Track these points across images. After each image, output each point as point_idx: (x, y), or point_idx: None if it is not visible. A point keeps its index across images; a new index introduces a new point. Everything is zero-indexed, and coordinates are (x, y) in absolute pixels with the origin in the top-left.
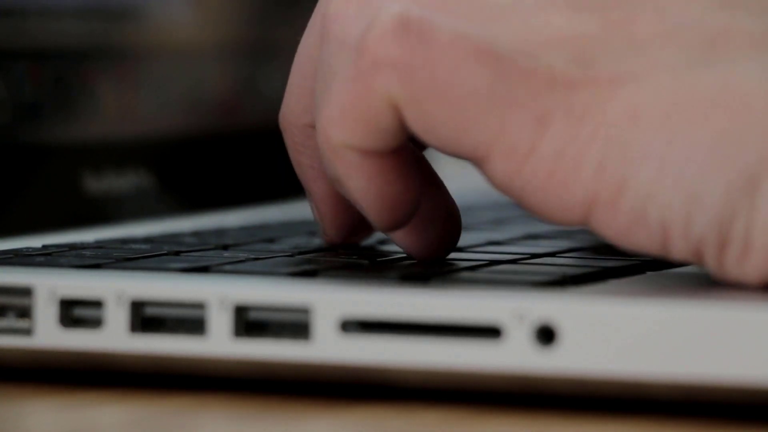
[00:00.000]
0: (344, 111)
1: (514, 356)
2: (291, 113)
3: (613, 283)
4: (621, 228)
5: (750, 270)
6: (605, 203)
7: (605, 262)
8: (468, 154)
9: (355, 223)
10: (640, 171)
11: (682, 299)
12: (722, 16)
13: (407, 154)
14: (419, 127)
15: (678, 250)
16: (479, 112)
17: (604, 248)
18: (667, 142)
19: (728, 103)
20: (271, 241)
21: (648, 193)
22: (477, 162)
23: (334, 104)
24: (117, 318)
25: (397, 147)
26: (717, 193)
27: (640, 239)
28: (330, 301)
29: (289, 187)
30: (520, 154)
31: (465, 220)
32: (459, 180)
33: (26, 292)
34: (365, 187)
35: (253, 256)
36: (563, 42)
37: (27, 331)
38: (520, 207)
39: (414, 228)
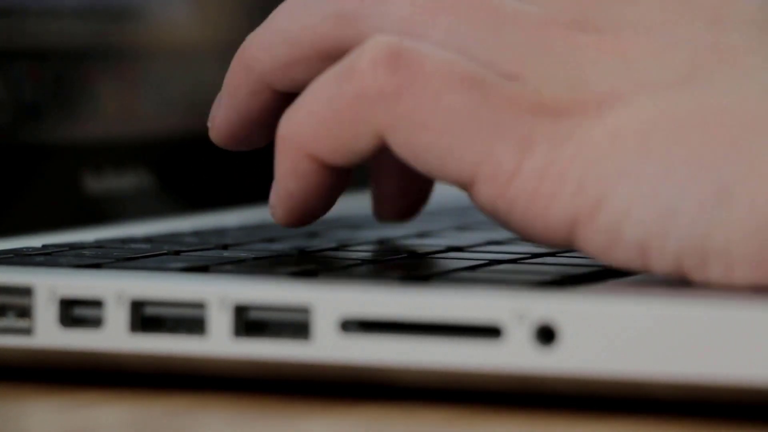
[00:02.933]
0: (321, 123)
1: (514, 356)
2: (259, 52)
3: (613, 283)
4: (601, 246)
5: (740, 282)
6: (584, 222)
7: None
8: (454, 179)
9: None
10: (617, 188)
11: (683, 299)
12: (711, 32)
13: (350, 174)
14: (405, 153)
15: (659, 266)
16: (463, 138)
17: None
18: (643, 159)
19: (704, 120)
20: (271, 241)
21: (624, 210)
22: (463, 186)
23: (311, 111)
24: (117, 318)
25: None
26: (691, 207)
27: (619, 256)
28: (330, 301)
29: None
30: (504, 177)
31: (465, 220)
32: None
33: (26, 291)
34: (294, 190)
35: (253, 256)
36: (556, 69)
37: (27, 331)
38: (507, 229)
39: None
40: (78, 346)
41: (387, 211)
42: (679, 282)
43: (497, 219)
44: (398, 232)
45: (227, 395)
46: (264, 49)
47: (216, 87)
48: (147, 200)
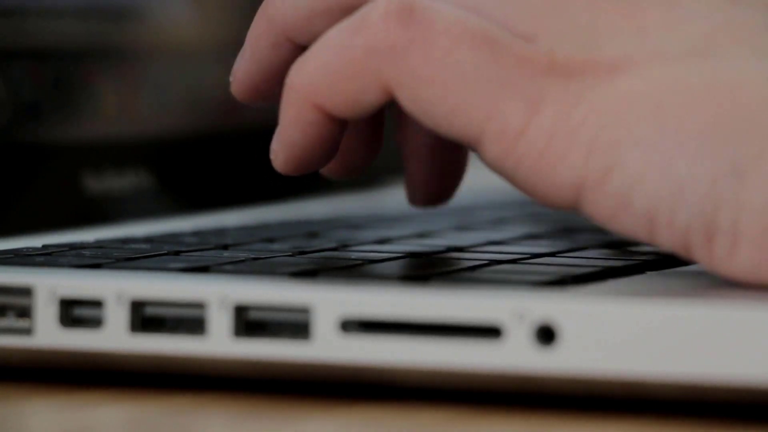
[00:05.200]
0: (329, 74)
1: (514, 356)
2: (283, 5)
3: (613, 283)
4: (608, 212)
5: (740, 263)
6: (593, 186)
7: (605, 262)
8: (461, 135)
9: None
10: (629, 156)
11: (682, 299)
12: (728, 10)
13: (356, 127)
14: (413, 109)
15: (665, 238)
16: (471, 95)
17: (604, 248)
18: (657, 129)
19: (719, 94)
20: (271, 241)
21: (635, 178)
22: (470, 143)
23: (320, 62)
24: (117, 318)
25: (359, 119)
26: (703, 182)
27: (626, 224)
28: (330, 301)
29: (289, 187)
30: (512, 134)
31: (465, 220)
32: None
33: (26, 292)
34: (298, 139)
35: (253, 256)
36: (573, 29)
37: (27, 331)
38: (514, 188)
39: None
40: (78, 346)
41: (421, 196)
42: (678, 282)
43: (504, 176)
44: (398, 232)
45: (227, 395)
46: (287, 2)
47: (216, 87)
48: (147, 200)
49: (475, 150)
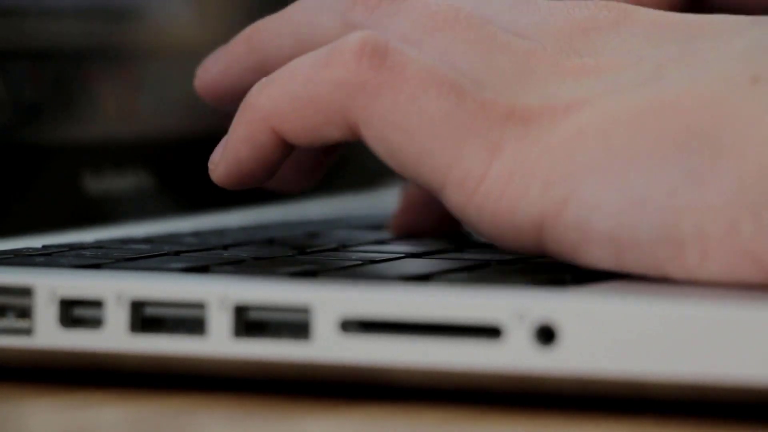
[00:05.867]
0: (293, 101)
1: (514, 356)
2: (267, 40)
3: (613, 283)
4: (571, 244)
5: (715, 268)
6: (552, 220)
7: None
8: (425, 182)
9: None
10: (584, 183)
11: (682, 299)
12: (680, 47)
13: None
14: (379, 150)
15: (633, 260)
16: (435, 142)
17: None
18: (608, 153)
19: (664, 112)
20: (271, 241)
21: (593, 203)
22: (434, 191)
23: (286, 88)
24: (117, 318)
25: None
26: (662, 194)
27: (591, 254)
28: (330, 301)
29: None
30: (473, 182)
31: None
32: None
33: (26, 292)
34: (244, 158)
35: (253, 256)
36: (533, 84)
37: (27, 331)
38: (480, 237)
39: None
40: (78, 347)
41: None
42: (678, 282)
43: (468, 224)
44: (390, 233)
45: (227, 395)
46: (272, 38)
47: None
48: (147, 200)
49: (438, 197)
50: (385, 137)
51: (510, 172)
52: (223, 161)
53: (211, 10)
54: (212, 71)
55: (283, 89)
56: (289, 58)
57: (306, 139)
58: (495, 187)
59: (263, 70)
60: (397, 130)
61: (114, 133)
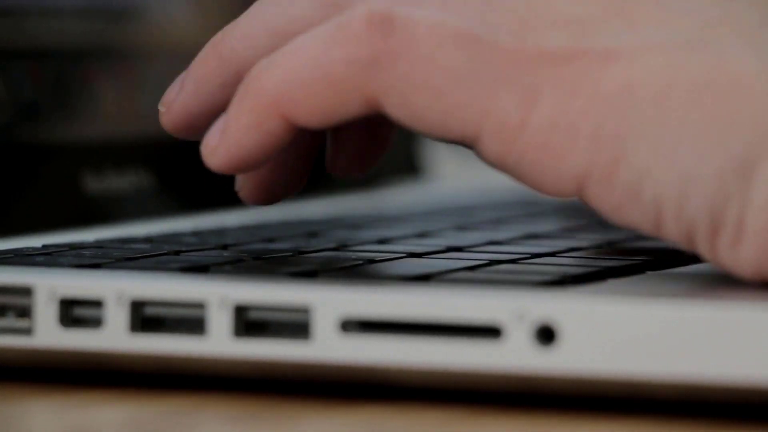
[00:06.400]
0: (304, 85)
1: (514, 356)
2: (239, 43)
3: (613, 283)
4: (615, 203)
5: (743, 257)
6: (600, 177)
7: (605, 262)
8: (457, 137)
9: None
10: (635, 149)
11: (682, 299)
12: (719, 6)
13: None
14: (404, 116)
15: (670, 230)
16: (463, 95)
17: (604, 248)
18: (661, 121)
19: (720, 85)
20: (271, 241)
21: (644, 169)
22: (468, 143)
23: (294, 71)
24: (117, 318)
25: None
26: (709, 176)
27: (633, 216)
28: (330, 301)
29: None
30: (510, 130)
31: (465, 220)
32: (458, 180)
33: (26, 291)
34: (250, 145)
35: (253, 256)
36: (560, 24)
37: (27, 331)
38: (517, 181)
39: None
40: (78, 346)
41: (341, 165)
42: (678, 282)
43: (506, 172)
44: (398, 232)
45: (227, 395)
46: (244, 39)
47: None
48: (147, 200)
49: (473, 149)
50: (408, 102)
51: (552, 121)
52: (224, 147)
53: (211, 10)
54: (179, 102)
55: (289, 72)
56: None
57: (321, 120)
58: (536, 137)
59: (240, 79)
60: (420, 91)
61: (114, 133)
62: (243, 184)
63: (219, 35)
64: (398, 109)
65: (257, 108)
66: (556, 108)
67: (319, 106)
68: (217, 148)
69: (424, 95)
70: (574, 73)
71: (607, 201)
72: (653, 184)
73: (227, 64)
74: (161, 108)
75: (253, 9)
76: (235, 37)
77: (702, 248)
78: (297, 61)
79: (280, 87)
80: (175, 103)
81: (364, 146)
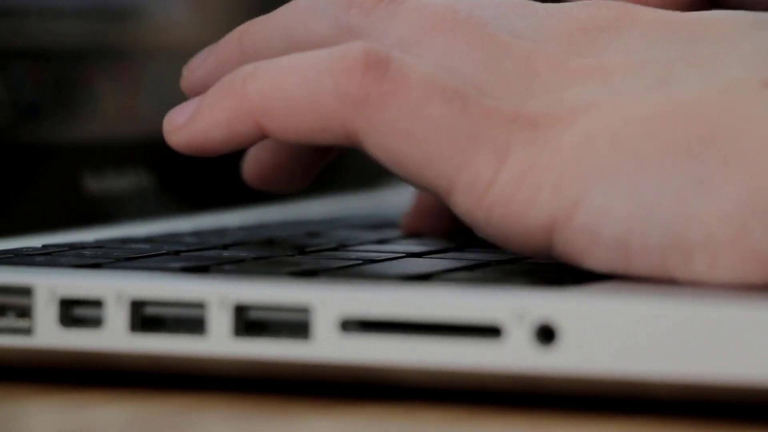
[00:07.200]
0: (289, 104)
1: (514, 356)
2: (259, 40)
3: (613, 283)
4: (580, 248)
5: (724, 274)
6: (562, 224)
7: None
8: (431, 187)
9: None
10: (594, 188)
11: (682, 299)
12: (685, 48)
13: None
14: (382, 158)
15: (641, 265)
16: (441, 148)
17: None
18: (617, 158)
19: (674, 117)
20: (271, 241)
21: (602, 208)
22: (441, 195)
23: (282, 88)
24: (117, 318)
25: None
26: (671, 202)
27: (601, 258)
28: (330, 301)
29: None
30: (481, 186)
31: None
32: None
33: (26, 291)
34: (216, 139)
35: (253, 256)
36: (538, 90)
37: (27, 331)
38: (488, 239)
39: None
40: (78, 346)
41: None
42: (678, 282)
43: (476, 228)
44: (398, 232)
45: (227, 395)
46: (264, 39)
47: None
48: (147, 200)
49: (445, 201)
50: (389, 146)
51: (519, 176)
52: (189, 130)
53: (211, 10)
54: (199, 71)
55: (276, 87)
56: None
57: (292, 137)
58: (504, 191)
59: None
60: (401, 138)
61: (114, 133)
62: (250, 165)
63: (245, 25)
64: (377, 150)
65: (234, 110)
66: (524, 164)
67: (297, 127)
68: (182, 129)
69: (404, 143)
70: (544, 133)
71: (574, 247)
72: (612, 220)
73: (244, 55)
74: (184, 72)
75: (280, 11)
76: (257, 32)
77: (679, 276)
78: (288, 80)
79: (261, 97)
80: (196, 73)
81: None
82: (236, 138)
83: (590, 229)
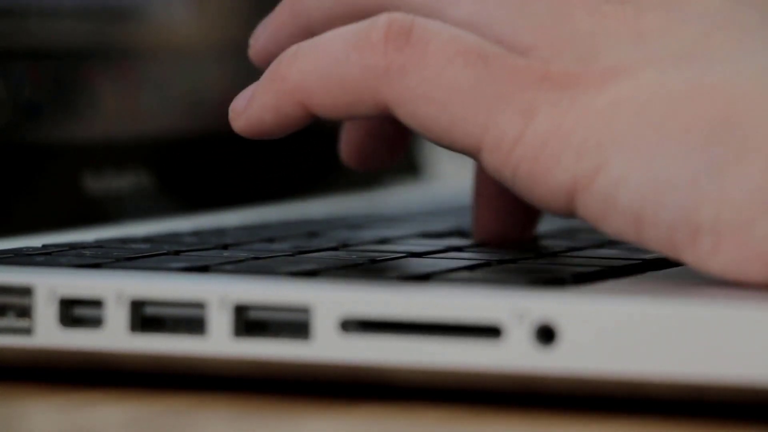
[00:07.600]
0: (324, 80)
1: (514, 356)
2: (312, 3)
3: (613, 283)
4: (597, 212)
5: (724, 261)
6: (582, 188)
7: (605, 262)
8: (461, 148)
9: None
10: (613, 157)
11: (683, 299)
12: (724, 10)
13: None
14: (413, 124)
15: (651, 238)
16: (467, 110)
17: (604, 248)
18: (639, 131)
19: (700, 97)
20: (271, 241)
21: (619, 178)
22: (470, 154)
23: (318, 65)
24: (117, 317)
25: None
26: (684, 181)
27: (615, 225)
28: (330, 301)
29: (289, 187)
30: (507, 144)
31: (465, 220)
32: (459, 180)
33: (26, 291)
34: (268, 122)
35: (253, 256)
36: (569, 44)
37: (27, 331)
38: (515, 193)
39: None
40: (78, 346)
41: (484, 234)
42: (679, 282)
43: (504, 183)
44: (398, 232)
45: (227, 395)
46: (314, 1)
47: (216, 87)
48: (147, 200)
49: (475, 159)
50: (416, 112)
51: (544, 136)
52: (246, 116)
53: (211, 10)
54: (261, 40)
55: (313, 65)
56: (334, 19)
57: (335, 114)
58: (530, 150)
59: (309, 34)
60: (427, 103)
61: (114, 133)
62: (344, 147)
63: None
64: (407, 118)
65: (279, 92)
66: (550, 124)
67: (333, 102)
68: (241, 115)
69: (429, 108)
70: (572, 94)
71: (592, 210)
72: (629, 191)
73: (297, 19)
74: (251, 42)
75: None
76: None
77: (684, 254)
78: (320, 57)
79: (301, 78)
80: (258, 42)
81: (377, 143)
82: (286, 120)
83: (608, 195)
